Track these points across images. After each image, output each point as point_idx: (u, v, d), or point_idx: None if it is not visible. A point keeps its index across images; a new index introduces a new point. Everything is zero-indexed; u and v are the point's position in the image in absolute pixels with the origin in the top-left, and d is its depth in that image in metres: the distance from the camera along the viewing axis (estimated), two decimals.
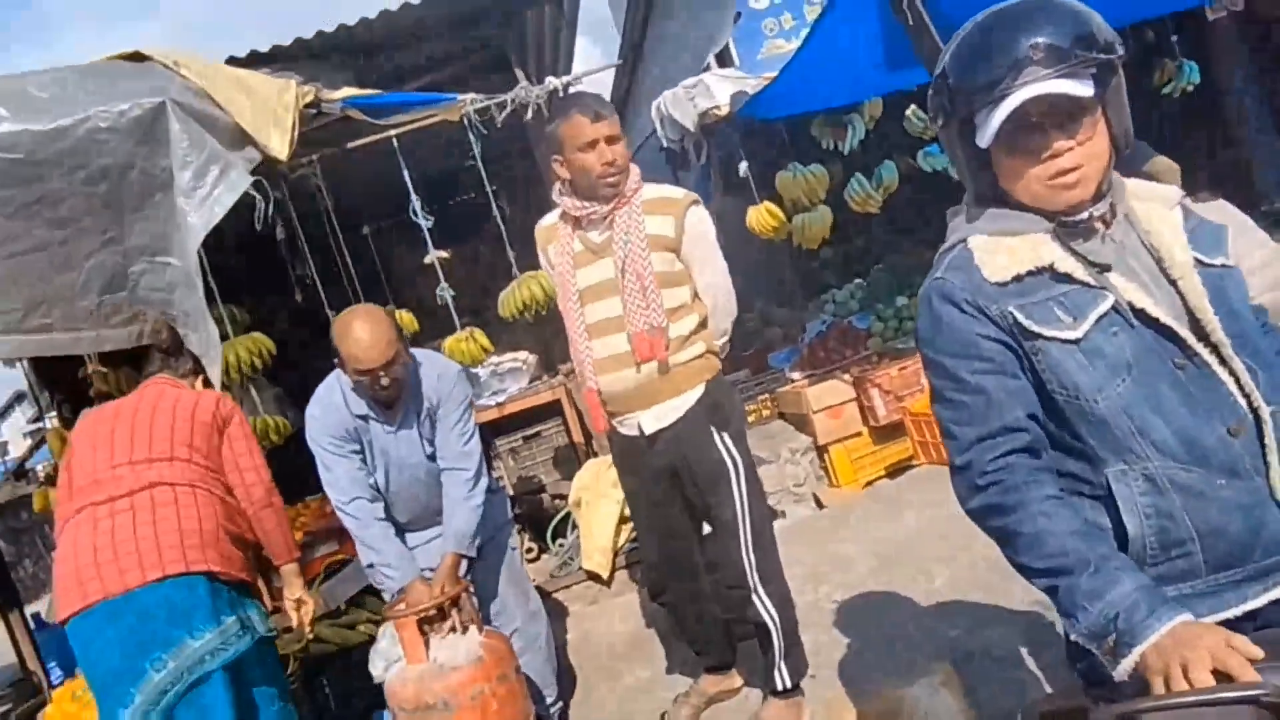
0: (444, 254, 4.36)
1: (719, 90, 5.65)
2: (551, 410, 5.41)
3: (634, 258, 2.81)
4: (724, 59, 7.22)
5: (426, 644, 2.78)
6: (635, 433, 2.95)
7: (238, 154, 3.26)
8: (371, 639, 3.12)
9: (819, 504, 5.21)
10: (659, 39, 8.69)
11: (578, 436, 5.44)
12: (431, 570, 3.00)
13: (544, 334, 6.01)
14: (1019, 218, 1.42)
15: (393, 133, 4.15)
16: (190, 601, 2.77)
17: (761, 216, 5.88)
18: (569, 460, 5.45)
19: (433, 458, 3.10)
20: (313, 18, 4.53)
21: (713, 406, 2.89)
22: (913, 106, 6.17)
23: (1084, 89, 1.30)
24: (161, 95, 3.10)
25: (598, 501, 4.78)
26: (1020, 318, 1.37)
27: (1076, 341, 1.35)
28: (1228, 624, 1.31)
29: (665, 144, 6.37)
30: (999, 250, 1.40)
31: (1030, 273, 1.38)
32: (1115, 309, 1.35)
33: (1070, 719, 1.29)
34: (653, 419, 2.91)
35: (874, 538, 4.33)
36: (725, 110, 5.65)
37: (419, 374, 3.07)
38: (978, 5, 1.39)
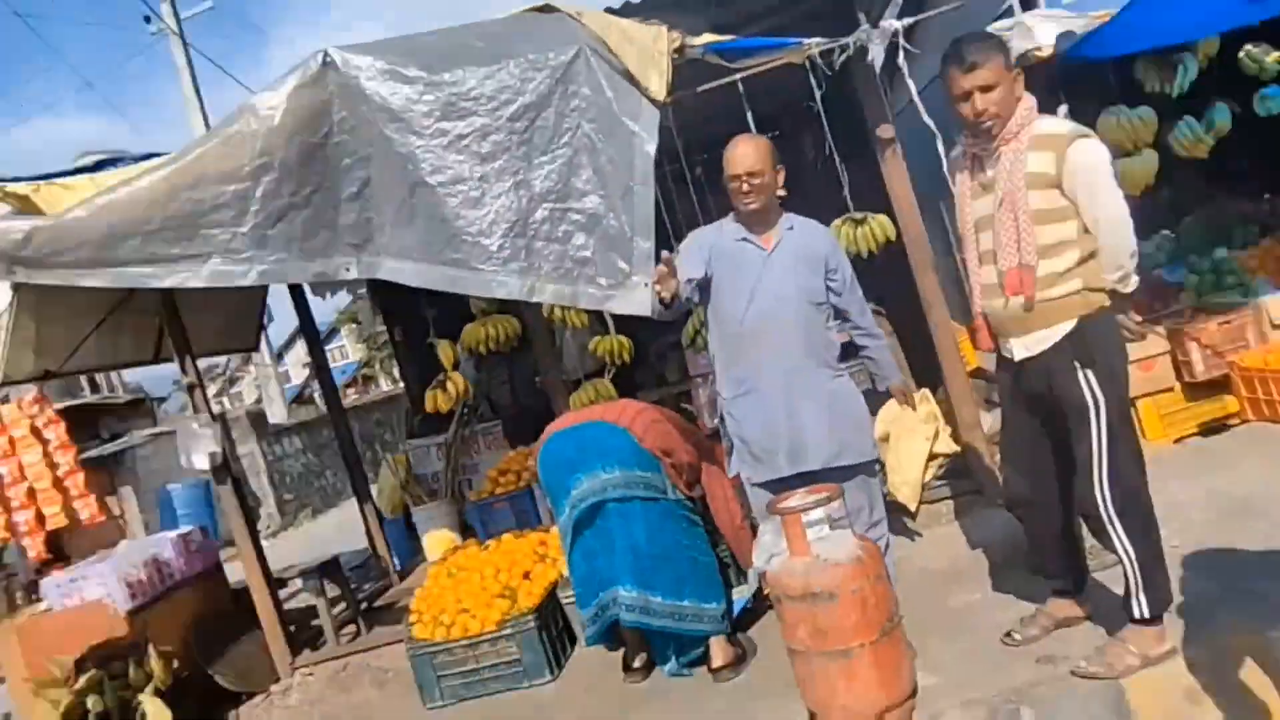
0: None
1: (1041, 30, 5.46)
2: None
3: (1011, 195, 2.94)
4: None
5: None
6: (1010, 355, 3.12)
7: (637, 96, 3.60)
8: None
9: None
10: None
11: None
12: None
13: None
14: None
15: (738, 76, 4.38)
16: (610, 445, 3.72)
17: None
18: (869, 396, 5.58)
19: (802, 294, 3.40)
20: None
21: (1081, 343, 2.96)
22: (1248, 46, 5.75)
23: None
24: (576, 42, 3.47)
25: (906, 436, 4.92)
26: None
27: None
28: None
29: None
30: None
31: None
32: None
33: None
34: (1022, 347, 3.06)
35: (1207, 490, 4.24)
36: (1046, 51, 5.46)
37: (798, 224, 3.49)
38: None
